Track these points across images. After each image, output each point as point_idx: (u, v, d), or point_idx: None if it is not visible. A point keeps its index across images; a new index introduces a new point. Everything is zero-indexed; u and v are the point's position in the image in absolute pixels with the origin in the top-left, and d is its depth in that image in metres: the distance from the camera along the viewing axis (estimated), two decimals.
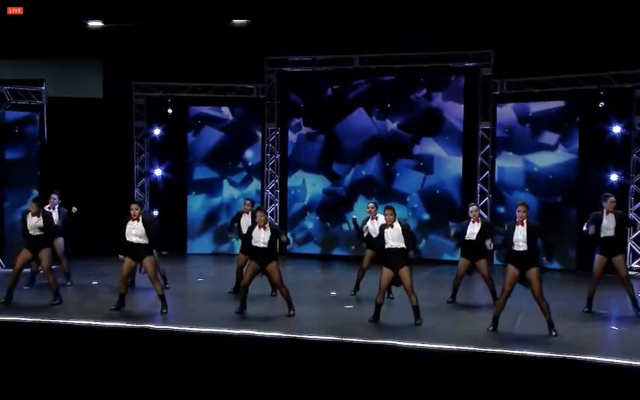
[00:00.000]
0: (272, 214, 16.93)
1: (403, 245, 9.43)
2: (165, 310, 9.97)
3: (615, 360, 7.70)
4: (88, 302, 11.03)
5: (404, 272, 9.48)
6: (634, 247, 14.56)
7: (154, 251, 10.33)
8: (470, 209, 11.16)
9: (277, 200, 17.02)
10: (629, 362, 7.59)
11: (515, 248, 8.87)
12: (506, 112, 15.62)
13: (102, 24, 15.13)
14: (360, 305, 10.97)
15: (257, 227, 9.93)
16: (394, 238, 9.41)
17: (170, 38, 16.09)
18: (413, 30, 15.30)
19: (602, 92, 14.48)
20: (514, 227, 8.91)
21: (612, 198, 10.28)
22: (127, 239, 10.00)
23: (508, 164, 15.58)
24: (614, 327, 9.78)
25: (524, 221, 8.84)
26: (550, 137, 15.17)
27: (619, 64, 14.33)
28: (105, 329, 9.26)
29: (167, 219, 16.91)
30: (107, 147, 16.86)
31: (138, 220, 9.95)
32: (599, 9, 13.68)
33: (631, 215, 14.41)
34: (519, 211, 8.93)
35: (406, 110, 16.24)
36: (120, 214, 16.71)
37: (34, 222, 10.59)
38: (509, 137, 15.57)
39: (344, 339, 8.59)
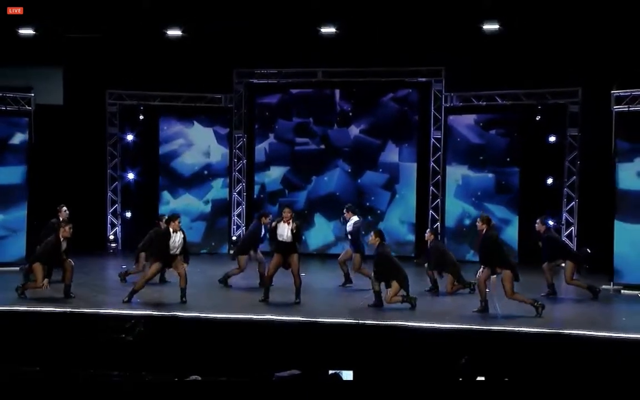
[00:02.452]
0: (238, 216, 17.88)
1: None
2: (184, 300, 10.87)
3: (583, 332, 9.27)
4: (99, 296, 11.70)
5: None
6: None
7: None
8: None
9: (244, 203, 17.94)
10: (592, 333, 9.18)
11: None
12: (459, 123, 17.11)
13: (33, 32, 15.26)
14: (353, 293, 12.16)
15: (282, 222, 10.99)
16: None
17: (143, 49, 16.61)
18: (372, 47, 16.53)
19: (539, 107, 16.34)
20: None
21: None
22: (171, 252, 10.83)
23: (463, 172, 17.06)
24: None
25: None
26: (495, 146, 16.81)
27: (554, 83, 16.11)
28: (138, 317, 10.00)
29: (140, 220, 17.66)
30: (80, 152, 17.16)
31: (177, 232, 10.78)
32: (539, 35, 15.33)
33: (564, 215, 16.26)
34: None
35: (367, 119, 17.43)
36: (94, 215, 17.34)
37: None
38: (462, 147, 17.07)
39: (359, 321, 9.75)
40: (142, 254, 12.99)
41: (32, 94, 14.98)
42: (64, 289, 11.26)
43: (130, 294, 10.90)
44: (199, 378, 8.16)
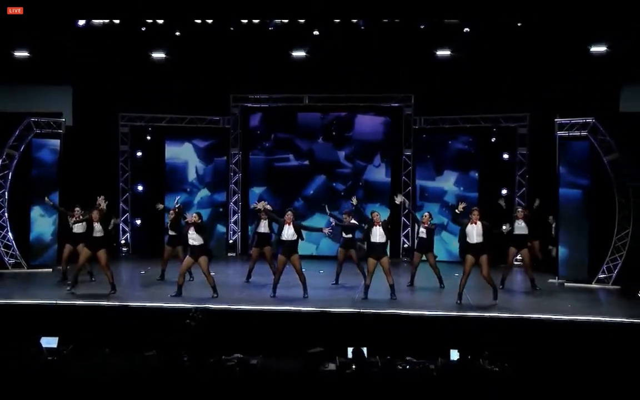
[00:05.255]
0: (235, 223, 19.45)
1: (384, 240, 12.51)
2: (215, 295, 12.38)
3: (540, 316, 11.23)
4: (136, 293, 13.17)
5: (384, 260, 12.58)
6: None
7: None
8: (424, 214, 14.52)
9: (239, 211, 19.53)
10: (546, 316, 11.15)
11: (471, 241, 12.16)
12: (427, 142, 19.01)
13: (27, 54, 15.77)
14: (346, 289, 13.87)
15: (285, 225, 12.57)
16: (379, 234, 12.45)
17: (151, 76, 17.74)
18: (352, 76, 18.24)
19: (494, 129, 18.36)
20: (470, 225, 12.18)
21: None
22: (189, 242, 12.31)
23: (430, 183, 19.00)
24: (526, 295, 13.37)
25: (477, 221, 12.13)
26: (458, 162, 18.78)
27: (506, 109, 18.14)
28: (173, 310, 11.52)
29: (148, 227, 19.06)
30: (95, 168, 18.37)
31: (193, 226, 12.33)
32: (494, 69, 17.26)
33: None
34: (472, 214, 12.21)
35: (348, 139, 19.28)
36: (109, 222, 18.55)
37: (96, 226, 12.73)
38: (431, 162, 19.00)
39: (361, 310, 11.49)
40: (168, 248, 14.48)
41: (63, 119, 16.33)
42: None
43: (178, 289, 12.47)
44: (241, 355, 9.78)
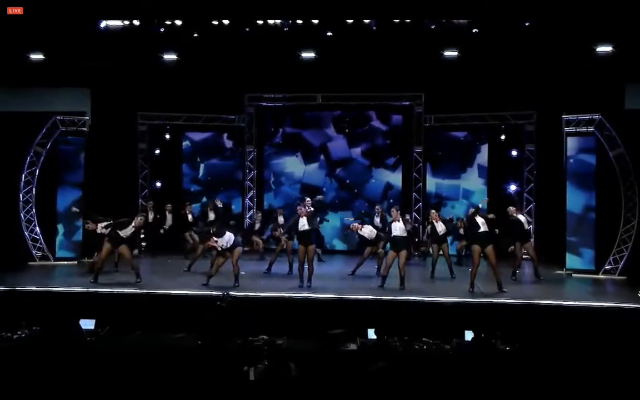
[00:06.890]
0: (250, 218, 20.08)
1: (405, 235, 13.15)
2: (237, 284, 13.03)
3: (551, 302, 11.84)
4: (164, 282, 13.77)
5: (403, 253, 13.19)
6: None
7: None
8: (431, 212, 15.23)
9: (254, 207, 20.16)
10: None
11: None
12: (437, 139, 19.64)
13: (42, 57, 16.21)
14: (362, 279, 14.48)
15: (301, 217, 13.31)
16: (400, 229, 13.10)
17: (166, 75, 18.44)
18: (364, 75, 18.83)
19: (503, 127, 18.92)
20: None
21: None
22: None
23: (440, 180, 19.66)
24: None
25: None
26: (467, 159, 19.40)
27: (514, 106, 18.69)
28: (200, 297, 12.22)
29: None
30: (115, 165, 19.06)
31: None
32: (502, 68, 17.81)
33: (524, 216, 18.78)
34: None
35: (360, 137, 19.94)
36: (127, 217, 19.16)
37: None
38: (440, 159, 19.66)
39: (378, 297, 12.12)
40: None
41: (87, 117, 16.99)
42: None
43: (208, 278, 13.18)
44: (266, 337, 10.40)
